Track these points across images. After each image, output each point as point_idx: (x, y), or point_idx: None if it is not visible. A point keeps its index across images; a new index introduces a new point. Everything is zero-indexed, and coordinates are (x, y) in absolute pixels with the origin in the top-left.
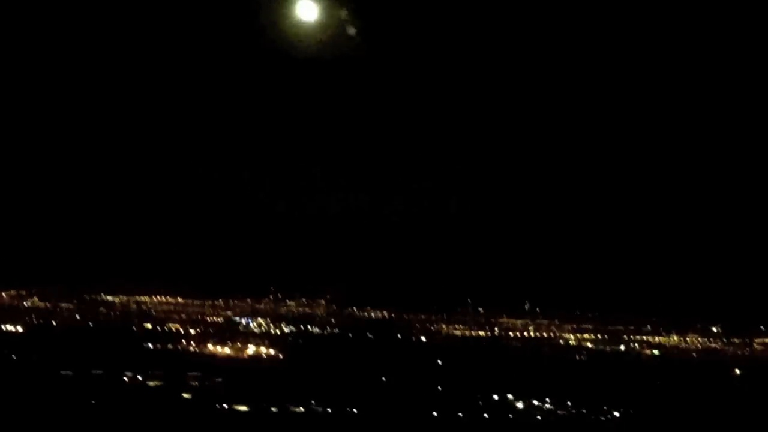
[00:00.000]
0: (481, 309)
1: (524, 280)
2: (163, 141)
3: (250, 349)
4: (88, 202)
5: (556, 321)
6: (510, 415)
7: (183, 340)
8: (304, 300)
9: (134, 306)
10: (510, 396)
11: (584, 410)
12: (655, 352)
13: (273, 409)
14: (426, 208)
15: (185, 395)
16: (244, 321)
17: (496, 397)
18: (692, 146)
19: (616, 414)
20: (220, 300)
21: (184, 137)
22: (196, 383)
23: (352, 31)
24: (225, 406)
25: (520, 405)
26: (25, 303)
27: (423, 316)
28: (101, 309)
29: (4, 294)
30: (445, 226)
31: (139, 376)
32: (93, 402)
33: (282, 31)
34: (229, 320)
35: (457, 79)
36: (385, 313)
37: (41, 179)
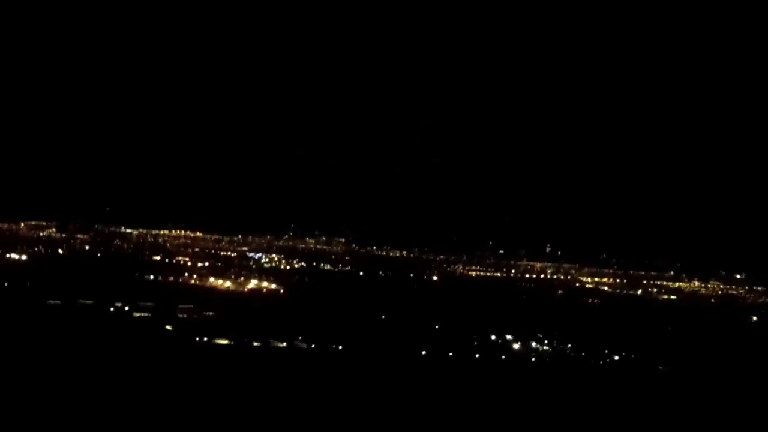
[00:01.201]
0: (501, 251)
1: (548, 223)
2: (192, 82)
3: (252, 284)
4: (121, 138)
5: (577, 264)
6: (503, 356)
7: (187, 273)
8: (323, 238)
9: (151, 239)
10: (509, 337)
11: (583, 353)
12: (672, 297)
13: (255, 343)
14: (451, 151)
15: (168, 327)
16: (256, 256)
17: (493, 337)
18: (715, 97)
19: (616, 358)
20: (240, 236)
21: (213, 79)
22: (185, 315)
23: None
24: (205, 339)
25: (516, 346)
26: (41, 233)
27: (441, 257)
28: (116, 241)
29: (23, 224)
30: (469, 169)
31: (126, 307)
32: (72, 331)
33: None
34: (242, 255)
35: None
36: (404, 253)
37: (74, 115)
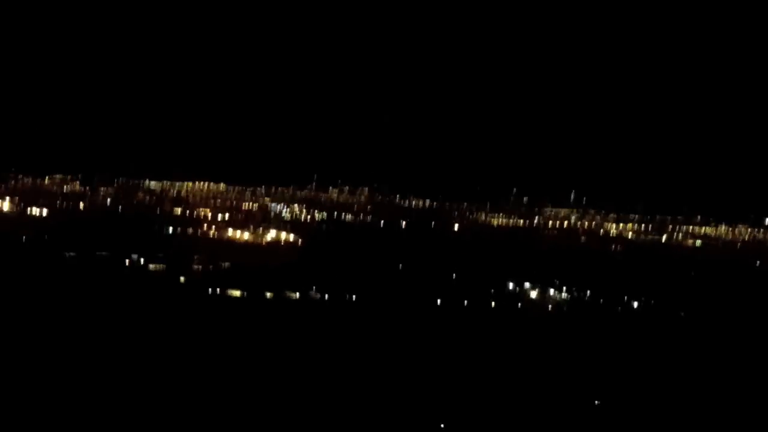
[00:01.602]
0: (525, 198)
1: (573, 169)
2: (215, 36)
3: (270, 235)
4: (145, 91)
5: (602, 211)
6: (519, 305)
7: (206, 225)
8: (347, 188)
9: (173, 192)
10: (527, 285)
11: (601, 300)
12: (698, 243)
13: (267, 294)
14: (475, 98)
15: (182, 279)
16: (278, 208)
17: (511, 285)
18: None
19: (635, 305)
20: (263, 186)
21: (237, 33)
22: (200, 267)
23: None
24: (217, 290)
25: (533, 294)
26: (64, 188)
27: (465, 205)
28: (139, 194)
29: (48, 178)
30: (495, 117)
31: (142, 259)
32: (85, 282)
33: None
34: (264, 207)
35: None
36: (427, 202)
37: (97, 69)
